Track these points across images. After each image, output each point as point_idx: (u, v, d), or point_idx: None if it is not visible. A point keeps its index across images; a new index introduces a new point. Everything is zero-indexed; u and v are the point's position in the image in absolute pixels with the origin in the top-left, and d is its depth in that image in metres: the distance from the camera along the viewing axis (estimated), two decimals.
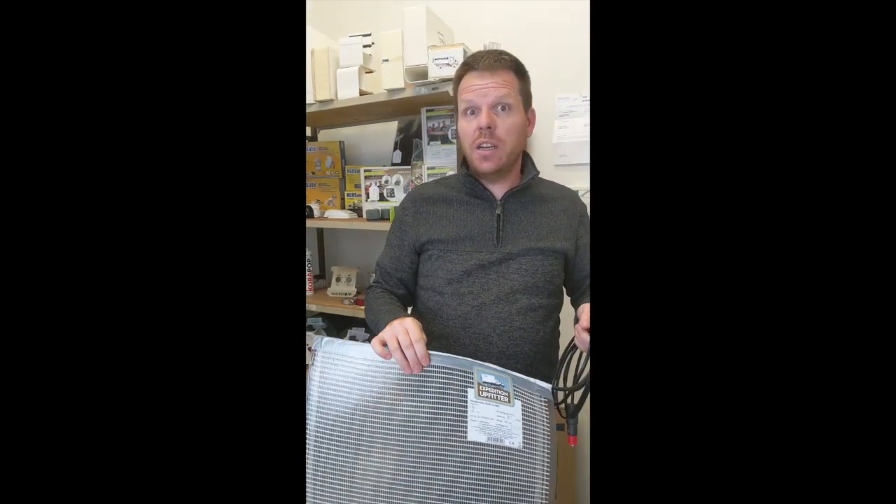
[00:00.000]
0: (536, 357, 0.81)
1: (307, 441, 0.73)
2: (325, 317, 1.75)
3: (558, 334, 0.89)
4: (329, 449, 0.72)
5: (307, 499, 0.72)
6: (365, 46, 1.37)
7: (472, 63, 0.82)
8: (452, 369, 0.67)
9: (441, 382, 0.68)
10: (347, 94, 1.38)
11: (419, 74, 1.25)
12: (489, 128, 0.79)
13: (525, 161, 0.90)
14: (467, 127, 0.82)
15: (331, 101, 1.40)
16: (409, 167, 1.48)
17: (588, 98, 1.38)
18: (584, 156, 1.38)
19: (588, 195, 1.34)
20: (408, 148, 1.59)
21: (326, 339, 0.73)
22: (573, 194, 0.92)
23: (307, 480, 0.73)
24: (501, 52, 0.83)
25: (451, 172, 1.29)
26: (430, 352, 0.67)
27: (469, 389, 0.66)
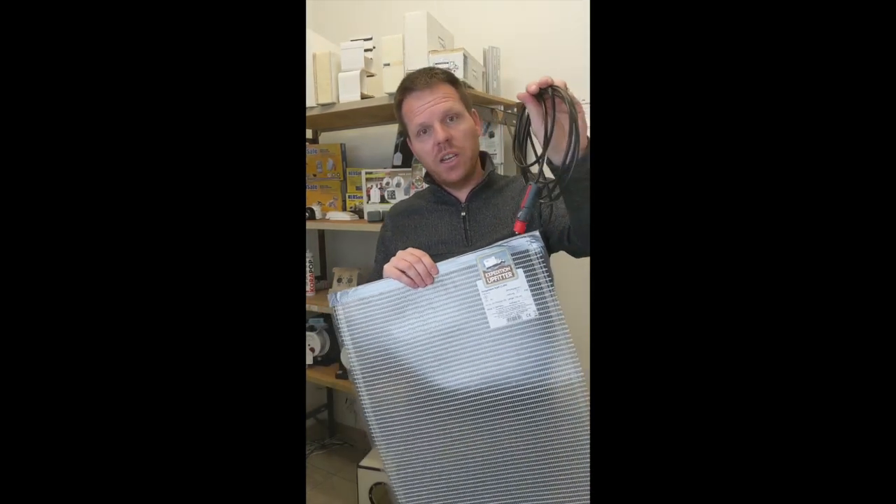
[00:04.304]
0: None
1: (358, 387, 0.78)
2: (327, 317, 1.76)
3: None
4: (379, 386, 0.77)
5: (374, 440, 0.78)
6: (366, 51, 1.39)
7: (409, 86, 0.85)
8: (460, 270, 0.73)
9: (454, 286, 0.73)
10: (349, 97, 1.39)
11: None
12: (447, 140, 0.83)
13: (484, 160, 0.94)
14: (425, 146, 0.86)
15: (332, 104, 1.42)
16: (409, 169, 1.49)
17: (586, 101, 1.39)
18: None
19: None
20: (408, 150, 1.58)
21: (341, 291, 0.79)
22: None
23: (370, 423, 0.78)
24: (432, 69, 0.88)
25: None
26: (437, 263, 0.73)
27: (478, 282, 0.72)
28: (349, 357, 0.78)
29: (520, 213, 0.66)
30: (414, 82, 0.85)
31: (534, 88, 0.60)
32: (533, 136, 0.65)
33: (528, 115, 0.64)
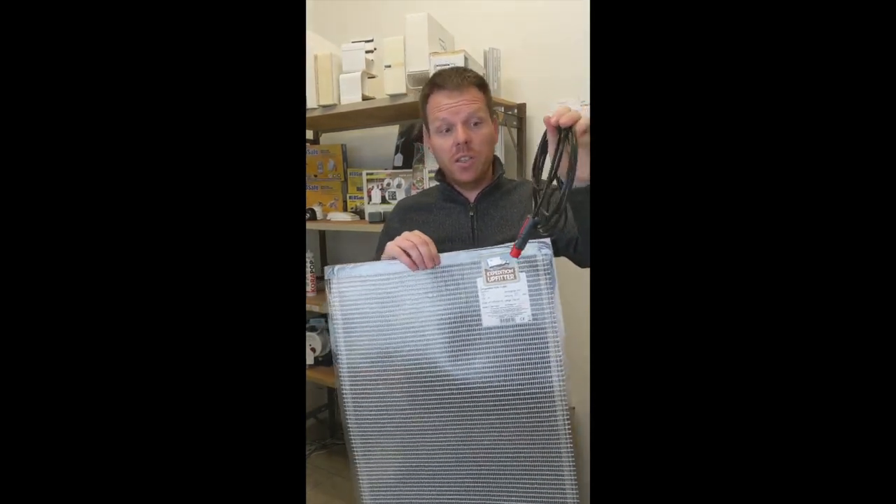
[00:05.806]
0: None
1: (339, 361, 0.78)
2: (327, 317, 1.77)
3: None
4: (360, 366, 0.77)
5: (348, 419, 0.78)
6: (367, 52, 1.39)
7: (440, 83, 0.87)
8: (462, 264, 0.73)
9: (453, 279, 0.73)
10: (350, 98, 1.39)
11: (420, 80, 1.26)
12: (466, 142, 0.85)
13: (495, 163, 0.95)
14: (444, 143, 0.87)
15: (334, 105, 1.42)
16: (410, 170, 1.50)
17: (585, 102, 1.40)
18: None
19: None
20: (409, 151, 1.61)
21: (338, 266, 0.78)
22: None
23: (345, 404, 0.78)
24: (465, 70, 0.89)
25: None
26: (441, 254, 0.73)
27: (478, 279, 0.72)
28: (335, 333, 0.77)
29: (517, 242, 0.66)
30: (446, 80, 0.86)
31: (555, 122, 0.62)
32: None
33: (547, 141, 0.65)
